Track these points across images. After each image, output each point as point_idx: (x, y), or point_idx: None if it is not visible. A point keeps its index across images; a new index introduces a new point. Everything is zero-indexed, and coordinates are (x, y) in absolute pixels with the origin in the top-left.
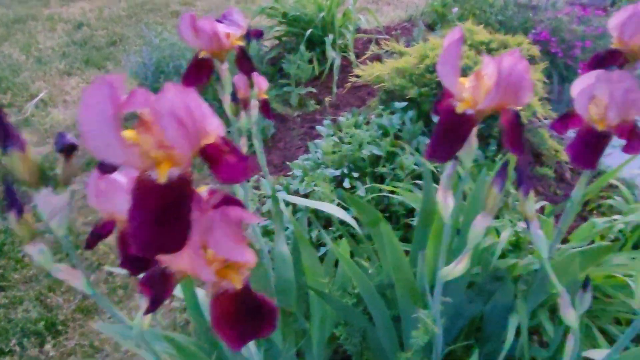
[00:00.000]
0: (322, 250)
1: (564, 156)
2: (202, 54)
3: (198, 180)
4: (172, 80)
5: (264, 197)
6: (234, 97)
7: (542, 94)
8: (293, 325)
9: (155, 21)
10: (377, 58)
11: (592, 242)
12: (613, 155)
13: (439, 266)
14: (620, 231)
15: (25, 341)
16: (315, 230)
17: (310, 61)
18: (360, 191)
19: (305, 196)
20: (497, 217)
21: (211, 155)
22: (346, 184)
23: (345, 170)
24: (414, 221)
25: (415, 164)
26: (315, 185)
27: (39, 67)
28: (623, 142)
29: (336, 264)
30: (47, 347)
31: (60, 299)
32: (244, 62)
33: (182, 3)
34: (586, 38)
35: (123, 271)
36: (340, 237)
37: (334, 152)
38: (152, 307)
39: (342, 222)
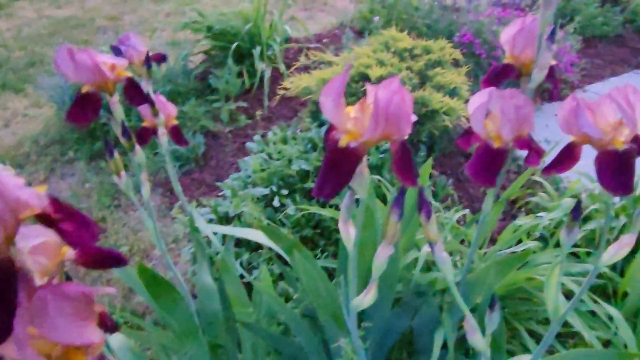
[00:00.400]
0: (255, 272)
1: None
2: (86, 88)
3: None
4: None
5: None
6: (124, 132)
7: (467, 96)
8: (223, 358)
9: (80, 39)
10: (307, 68)
11: (520, 241)
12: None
13: (350, 296)
14: (545, 228)
15: None
16: (245, 254)
17: (240, 74)
18: (290, 209)
19: (238, 217)
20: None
21: (47, 225)
22: (276, 202)
23: (275, 188)
24: None
25: None
26: (244, 205)
27: None
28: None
29: None
30: None
31: None
32: (133, 94)
33: (109, 18)
34: None
35: None
36: (270, 259)
37: (262, 170)
38: None
39: None
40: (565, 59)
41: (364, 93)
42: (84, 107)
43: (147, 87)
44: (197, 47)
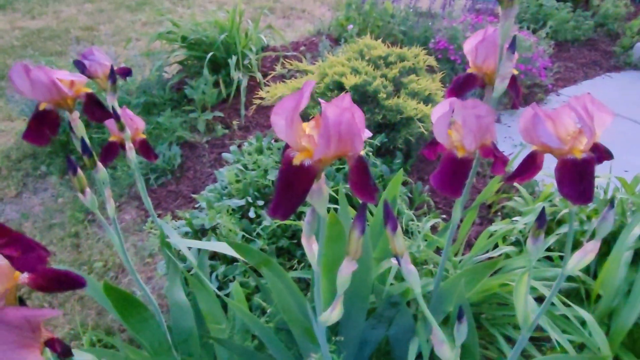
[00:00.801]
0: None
1: None
2: (43, 106)
3: None
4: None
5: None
6: (85, 149)
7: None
8: None
9: (54, 50)
10: (284, 77)
11: (497, 246)
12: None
13: (317, 311)
14: (520, 232)
15: None
16: (220, 267)
17: (217, 84)
18: (266, 221)
19: (213, 229)
20: None
21: None
22: (251, 213)
23: (250, 199)
24: None
25: None
26: (220, 217)
27: None
28: None
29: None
30: None
31: None
32: (93, 110)
33: (84, 28)
34: None
35: None
36: (246, 271)
37: (238, 181)
38: None
39: None
40: (539, 63)
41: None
42: (42, 125)
43: (112, 101)
44: (172, 57)
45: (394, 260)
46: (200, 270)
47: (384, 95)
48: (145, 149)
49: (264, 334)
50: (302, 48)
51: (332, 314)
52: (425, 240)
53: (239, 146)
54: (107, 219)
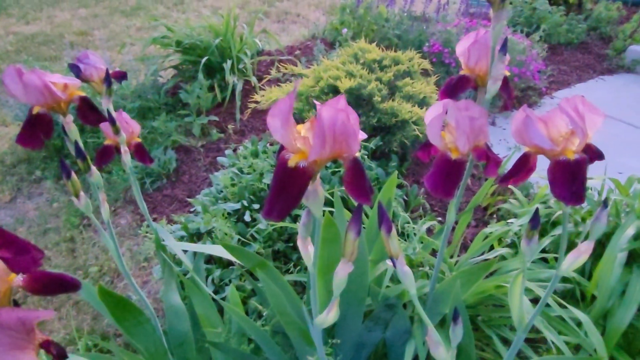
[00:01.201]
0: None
1: None
2: (37, 110)
3: None
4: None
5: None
6: (79, 153)
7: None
8: None
9: (48, 55)
10: (279, 81)
11: (492, 247)
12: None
13: (314, 313)
14: (515, 234)
15: None
16: (216, 270)
17: (212, 88)
18: (261, 224)
19: (209, 233)
20: None
21: None
22: (247, 217)
23: (246, 203)
24: None
25: None
26: (215, 221)
27: None
28: None
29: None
30: None
31: None
32: (88, 113)
33: (78, 33)
34: None
35: None
36: (242, 275)
37: (233, 185)
38: None
39: None
40: (532, 66)
41: None
42: (35, 129)
43: (107, 105)
44: (166, 61)
45: (389, 262)
46: (196, 274)
47: (379, 99)
48: (140, 152)
49: (260, 337)
50: (297, 52)
51: (329, 316)
52: (421, 242)
53: (235, 150)
54: (102, 223)
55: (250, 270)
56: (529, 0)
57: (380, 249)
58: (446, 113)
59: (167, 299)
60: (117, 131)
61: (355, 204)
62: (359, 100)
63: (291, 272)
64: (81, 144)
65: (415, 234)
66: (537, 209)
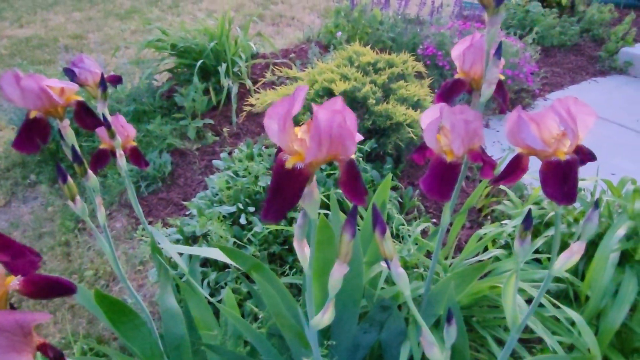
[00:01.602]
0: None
1: None
2: (34, 114)
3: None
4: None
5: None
6: (75, 157)
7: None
8: None
9: (42, 59)
10: (273, 84)
11: (486, 249)
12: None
13: (309, 315)
14: (509, 235)
15: None
16: (212, 273)
17: (207, 92)
18: (257, 227)
19: (204, 236)
20: None
21: None
22: (242, 220)
23: (241, 206)
24: None
25: None
26: (211, 224)
27: None
28: None
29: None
30: None
31: None
32: (85, 117)
33: (73, 37)
34: None
35: None
36: (238, 278)
37: (228, 188)
38: None
39: None
40: (526, 68)
41: None
42: (32, 133)
43: (102, 108)
44: (161, 65)
45: (383, 264)
46: (191, 277)
47: (373, 101)
48: (136, 156)
49: (256, 339)
50: (292, 55)
51: (324, 318)
52: (416, 244)
53: (230, 153)
54: (97, 227)
55: (246, 273)
56: (522, 2)
57: (374, 251)
58: (443, 116)
59: (163, 302)
60: (112, 135)
61: (351, 206)
62: (353, 103)
63: (287, 275)
64: (78, 148)
65: (409, 236)
66: (529, 210)
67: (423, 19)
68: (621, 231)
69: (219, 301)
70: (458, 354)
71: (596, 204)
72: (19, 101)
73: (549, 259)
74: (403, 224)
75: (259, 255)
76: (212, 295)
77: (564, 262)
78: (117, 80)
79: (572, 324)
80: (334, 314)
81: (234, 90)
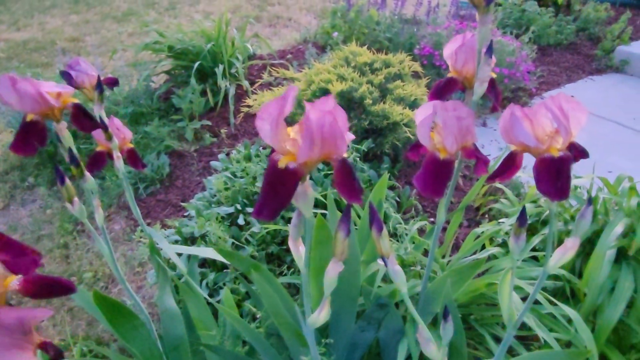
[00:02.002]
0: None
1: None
2: (30, 117)
3: None
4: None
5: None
6: (72, 159)
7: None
8: None
9: (40, 62)
10: (271, 85)
11: (484, 247)
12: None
13: (306, 313)
14: (506, 234)
15: None
16: (210, 274)
17: (204, 93)
18: (255, 227)
19: (202, 237)
20: None
21: None
22: (240, 220)
23: (239, 207)
24: None
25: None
26: (209, 225)
27: None
28: None
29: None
30: None
31: None
32: (82, 120)
33: (70, 39)
34: None
35: None
36: (237, 278)
37: (226, 188)
38: None
39: None
40: (522, 67)
41: None
42: (29, 136)
43: (99, 111)
44: (158, 67)
45: (380, 262)
46: (190, 278)
47: (370, 101)
48: (133, 158)
49: (255, 339)
50: (289, 56)
51: (320, 316)
52: (413, 242)
53: (228, 154)
54: (96, 229)
55: (244, 274)
56: (518, 2)
57: (372, 250)
58: (435, 114)
59: (161, 302)
60: (109, 137)
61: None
62: (350, 103)
63: (285, 275)
64: (75, 151)
65: (406, 235)
66: (524, 208)
67: (420, 19)
68: (618, 228)
69: (218, 301)
70: (455, 351)
71: (589, 201)
72: (15, 104)
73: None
74: (400, 223)
75: (257, 255)
76: (211, 295)
77: (559, 258)
78: (113, 82)
79: (569, 321)
80: (330, 312)
81: (231, 91)
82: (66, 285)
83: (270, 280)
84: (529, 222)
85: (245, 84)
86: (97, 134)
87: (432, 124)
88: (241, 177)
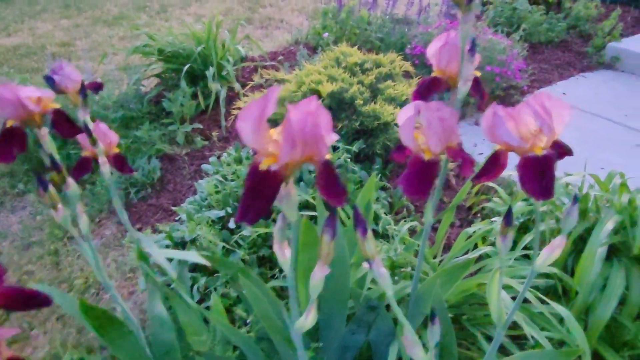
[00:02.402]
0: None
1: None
2: (10, 123)
3: None
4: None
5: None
6: (54, 165)
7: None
8: None
9: (30, 67)
10: (262, 87)
11: (477, 246)
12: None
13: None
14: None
15: None
16: (201, 278)
17: (196, 96)
18: (245, 231)
19: (193, 241)
20: None
21: None
22: (231, 224)
23: (230, 210)
24: None
25: (299, 194)
26: (200, 229)
27: None
28: None
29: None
30: None
31: None
32: (63, 125)
33: (61, 44)
34: None
35: None
36: (227, 282)
37: (217, 192)
38: None
39: None
40: (514, 65)
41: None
42: (9, 143)
43: (84, 116)
44: (149, 70)
45: (365, 264)
46: (180, 282)
47: (361, 102)
48: (119, 162)
49: (244, 344)
50: (280, 57)
51: (307, 320)
52: (404, 243)
53: (219, 157)
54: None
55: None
56: (509, 0)
57: (360, 251)
58: (419, 114)
59: (150, 310)
60: (94, 142)
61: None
62: (341, 104)
63: (277, 278)
64: (57, 157)
65: (396, 235)
66: (510, 208)
67: (411, 19)
68: (609, 225)
69: (208, 308)
70: (446, 352)
71: (575, 199)
72: None
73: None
74: (390, 224)
75: (247, 259)
76: (202, 300)
77: (546, 257)
78: (97, 87)
79: (562, 319)
80: (320, 315)
81: (223, 94)
82: (40, 298)
83: (259, 284)
84: (520, 220)
85: (237, 86)
86: (83, 139)
87: (415, 125)
88: (232, 180)
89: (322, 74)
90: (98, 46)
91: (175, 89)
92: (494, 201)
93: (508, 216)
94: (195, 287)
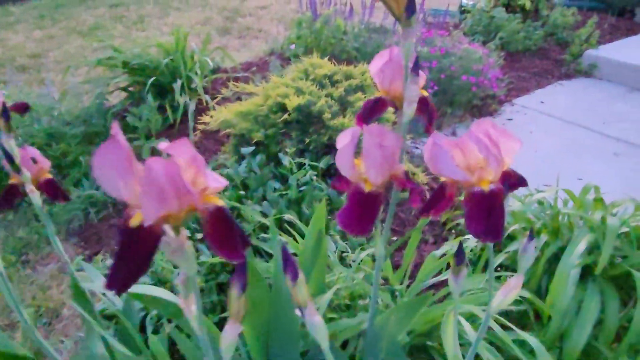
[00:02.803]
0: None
1: (422, 178)
2: None
3: None
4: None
5: None
6: None
7: (393, 118)
8: None
9: None
10: (235, 99)
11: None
12: None
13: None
14: (471, 250)
15: None
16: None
17: (164, 109)
18: (203, 256)
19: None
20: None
21: None
22: None
23: (188, 233)
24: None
25: (264, 215)
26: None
27: None
28: None
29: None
30: None
31: None
32: None
33: (31, 56)
34: (432, 58)
35: None
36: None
37: None
38: None
39: None
40: (490, 74)
41: (286, 123)
42: None
43: (8, 141)
44: (114, 83)
45: (298, 312)
46: (127, 315)
47: (329, 115)
48: (52, 189)
49: None
50: (254, 68)
51: None
52: (362, 271)
53: None
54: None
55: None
56: (487, 9)
57: (316, 283)
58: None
59: (87, 350)
60: (17, 170)
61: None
62: (309, 118)
63: None
64: None
65: (352, 263)
66: (461, 243)
67: (387, 28)
68: (581, 246)
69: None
70: None
71: (530, 235)
72: None
73: (514, 272)
74: (345, 251)
75: (205, 286)
76: (157, 331)
77: (502, 299)
78: (24, 108)
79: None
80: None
81: (192, 107)
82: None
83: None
84: None
85: (206, 98)
86: (6, 164)
87: (352, 154)
88: None
89: (290, 86)
90: (70, 58)
91: (142, 102)
92: None
93: (459, 254)
94: (148, 317)
